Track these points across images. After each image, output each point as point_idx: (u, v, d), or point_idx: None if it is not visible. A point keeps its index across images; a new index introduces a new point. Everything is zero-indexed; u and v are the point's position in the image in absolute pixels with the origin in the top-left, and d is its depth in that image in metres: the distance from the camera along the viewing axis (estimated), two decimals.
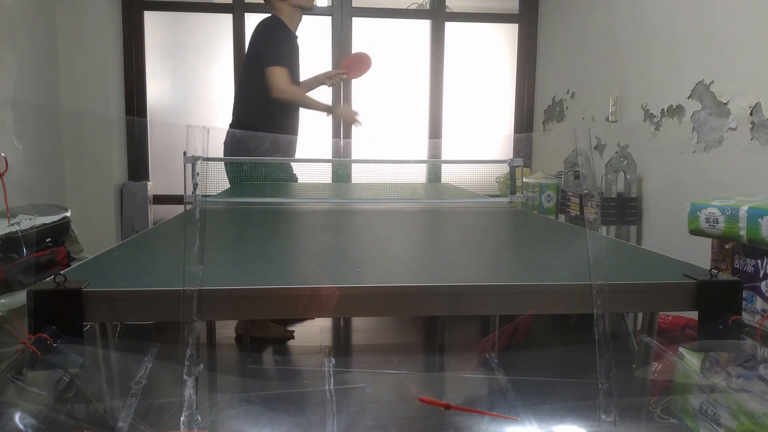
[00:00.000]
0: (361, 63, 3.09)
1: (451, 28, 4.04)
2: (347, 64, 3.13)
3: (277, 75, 2.68)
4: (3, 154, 1.70)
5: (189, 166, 1.89)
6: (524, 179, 3.32)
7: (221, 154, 2.86)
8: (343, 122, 3.00)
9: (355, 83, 3.98)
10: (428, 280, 0.90)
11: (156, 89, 3.88)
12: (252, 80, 2.78)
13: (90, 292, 0.81)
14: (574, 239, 1.32)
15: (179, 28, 3.87)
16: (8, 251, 1.78)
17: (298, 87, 2.84)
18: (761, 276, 1.50)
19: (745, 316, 1.21)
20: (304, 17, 4.10)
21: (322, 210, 1.82)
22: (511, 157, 2.84)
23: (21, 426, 0.63)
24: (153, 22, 3.83)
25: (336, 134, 4.00)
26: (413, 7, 4.11)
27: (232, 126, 2.89)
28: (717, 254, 1.69)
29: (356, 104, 4.01)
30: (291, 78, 2.76)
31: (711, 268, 0.94)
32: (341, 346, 2.84)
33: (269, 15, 2.85)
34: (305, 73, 3.01)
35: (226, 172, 2.77)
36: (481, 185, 3.23)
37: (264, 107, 2.77)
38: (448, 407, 0.72)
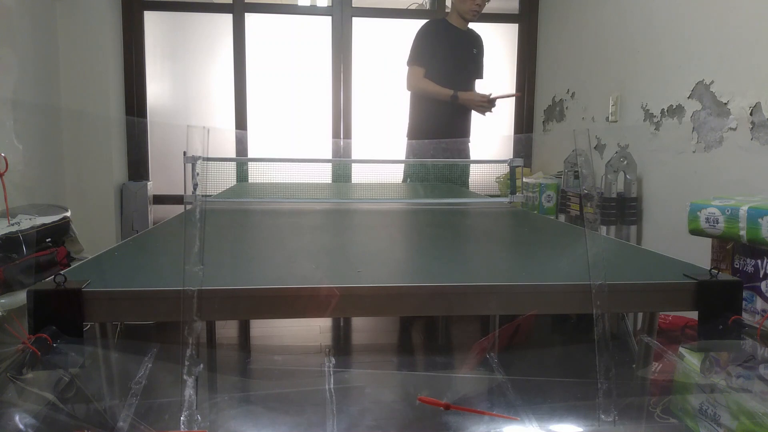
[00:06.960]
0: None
1: None
2: None
3: (410, 73, 2.98)
4: (3, 154, 1.70)
5: (189, 166, 1.88)
6: (524, 179, 3.33)
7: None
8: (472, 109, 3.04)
9: (354, 82, 3.98)
10: (428, 280, 0.90)
11: (156, 89, 3.88)
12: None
13: (90, 292, 0.81)
14: (573, 239, 1.32)
15: (179, 28, 3.87)
16: (8, 251, 1.78)
17: (427, 81, 2.94)
18: (761, 276, 1.50)
19: (746, 316, 1.21)
20: (305, 19, 4.09)
21: (322, 210, 1.82)
22: (511, 157, 2.84)
23: (21, 426, 0.63)
24: (153, 22, 3.83)
25: (336, 134, 4.00)
26: (413, 7, 4.11)
27: (408, 130, 3.10)
28: (717, 254, 1.69)
29: (357, 105, 4.01)
30: (429, 76, 2.94)
31: (711, 268, 0.94)
32: (341, 346, 2.84)
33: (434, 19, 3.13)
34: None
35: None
36: (481, 185, 3.23)
37: (427, 110, 3.01)
38: (447, 407, 0.72)
